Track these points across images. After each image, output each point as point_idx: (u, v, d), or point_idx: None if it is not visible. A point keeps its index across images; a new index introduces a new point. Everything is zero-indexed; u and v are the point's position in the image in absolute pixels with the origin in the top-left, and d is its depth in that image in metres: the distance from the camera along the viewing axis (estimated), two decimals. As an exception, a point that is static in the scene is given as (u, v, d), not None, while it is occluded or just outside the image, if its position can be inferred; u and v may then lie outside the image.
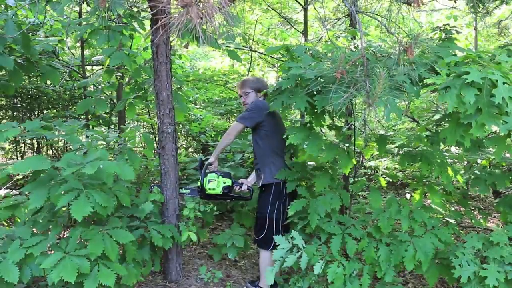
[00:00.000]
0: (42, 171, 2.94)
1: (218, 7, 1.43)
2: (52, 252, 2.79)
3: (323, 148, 3.37)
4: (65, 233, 3.36)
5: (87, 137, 4.97)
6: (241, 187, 3.78)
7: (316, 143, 3.32)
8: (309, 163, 4.05)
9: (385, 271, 3.17)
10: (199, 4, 1.30)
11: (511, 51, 3.26)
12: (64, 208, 3.13)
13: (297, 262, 3.11)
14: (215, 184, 3.58)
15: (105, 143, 3.66)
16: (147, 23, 4.70)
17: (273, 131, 3.71)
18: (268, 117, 3.65)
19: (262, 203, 3.72)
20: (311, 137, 3.35)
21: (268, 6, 7.82)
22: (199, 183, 3.65)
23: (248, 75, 8.25)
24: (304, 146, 3.48)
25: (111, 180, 2.89)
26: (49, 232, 3.05)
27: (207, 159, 3.81)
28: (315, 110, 3.09)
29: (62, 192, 2.75)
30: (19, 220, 3.31)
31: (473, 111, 2.55)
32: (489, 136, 3.45)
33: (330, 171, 3.50)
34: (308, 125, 3.47)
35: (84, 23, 4.08)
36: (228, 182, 3.61)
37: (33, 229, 3.07)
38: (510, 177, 3.66)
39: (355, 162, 3.70)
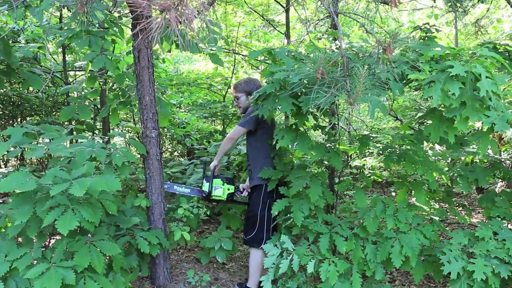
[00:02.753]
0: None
1: (197, 11, 1.43)
2: (37, 263, 2.76)
3: (312, 147, 3.40)
4: (50, 242, 3.31)
5: (71, 141, 4.91)
6: (242, 192, 3.98)
7: (305, 142, 3.37)
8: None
9: (374, 269, 3.20)
10: (177, 8, 1.30)
11: (490, 49, 3.31)
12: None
13: (289, 265, 3.14)
14: (221, 191, 3.82)
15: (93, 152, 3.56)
16: (129, 28, 4.67)
17: (268, 133, 3.79)
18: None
19: (254, 202, 3.79)
20: (299, 137, 3.39)
21: (251, 8, 7.84)
22: (205, 188, 3.82)
23: (232, 77, 8.25)
24: (291, 146, 3.50)
25: (97, 194, 2.86)
26: (35, 242, 3.01)
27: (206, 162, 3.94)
28: (300, 111, 3.11)
29: (48, 208, 2.72)
30: (3, 231, 3.26)
31: (458, 104, 2.58)
32: (472, 132, 3.48)
33: (319, 178, 3.51)
34: (294, 126, 3.49)
35: (65, 28, 4.04)
36: (232, 189, 3.87)
37: (18, 239, 3.02)
38: (492, 174, 3.71)
39: (343, 158, 3.75)
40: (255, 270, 3.75)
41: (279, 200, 3.50)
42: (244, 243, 3.91)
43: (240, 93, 3.89)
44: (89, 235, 3.03)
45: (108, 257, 3.11)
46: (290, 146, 3.47)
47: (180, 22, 1.29)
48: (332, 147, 3.56)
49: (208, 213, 4.25)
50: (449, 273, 2.88)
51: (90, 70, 4.85)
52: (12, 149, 3.23)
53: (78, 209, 2.75)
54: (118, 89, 4.85)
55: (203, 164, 4.00)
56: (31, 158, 7.75)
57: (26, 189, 2.65)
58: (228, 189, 3.84)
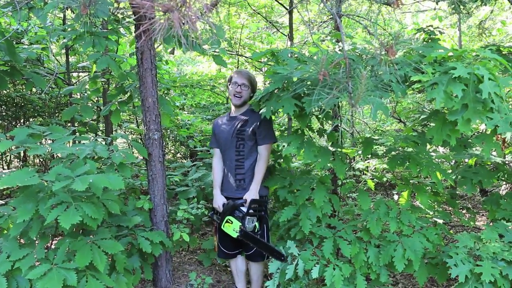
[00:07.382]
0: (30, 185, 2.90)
1: (201, 13, 1.43)
2: (39, 263, 2.76)
3: (318, 154, 3.36)
4: (52, 242, 3.31)
5: (74, 142, 4.91)
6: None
7: (311, 149, 3.30)
8: (294, 164, 4.06)
9: (378, 272, 3.18)
10: (180, 9, 1.30)
11: (493, 51, 3.30)
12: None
13: (294, 269, 3.12)
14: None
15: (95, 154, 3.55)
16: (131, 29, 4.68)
17: None
18: None
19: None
20: (305, 144, 3.33)
21: (254, 10, 7.85)
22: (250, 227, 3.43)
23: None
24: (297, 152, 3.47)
25: (100, 192, 2.85)
26: (37, 242, 3.01)
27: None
28: (303, 112, 3.09)
29: (51, 205, 2.72)
30: (5, 232, 3.26)
31: (460, 106, 2.56)
32: (476, 134, 3.47)
33: (324, 184, 3.49)
34: (300, 131, 3.46)
35: (68, 29, 4.05)
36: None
37: (20, 240, 3.02)
38: (496, 176, 3.69)
39: (347, 166, 3.72)
40: (258, 278, 3.72)
41: (286, 208, 3.42)
42: (247, 258, 3.68)
43: (249, 84, 3.58)
44: (91, 236, 3.04)
45: (111, 258, 3.11)
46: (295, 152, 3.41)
47: (184, 23, 1.29)
48: (338, 153, 3.52)
49: (206, 212, 4.23)
50: (452, 276, 2.86)
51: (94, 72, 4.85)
52: (14, 148, 3.24)
53: (81, 206, 2.76)
54: (119, 86, 4.83)
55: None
56: (34, 160, 7.78)
57: (29, 183, 2.66)
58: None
